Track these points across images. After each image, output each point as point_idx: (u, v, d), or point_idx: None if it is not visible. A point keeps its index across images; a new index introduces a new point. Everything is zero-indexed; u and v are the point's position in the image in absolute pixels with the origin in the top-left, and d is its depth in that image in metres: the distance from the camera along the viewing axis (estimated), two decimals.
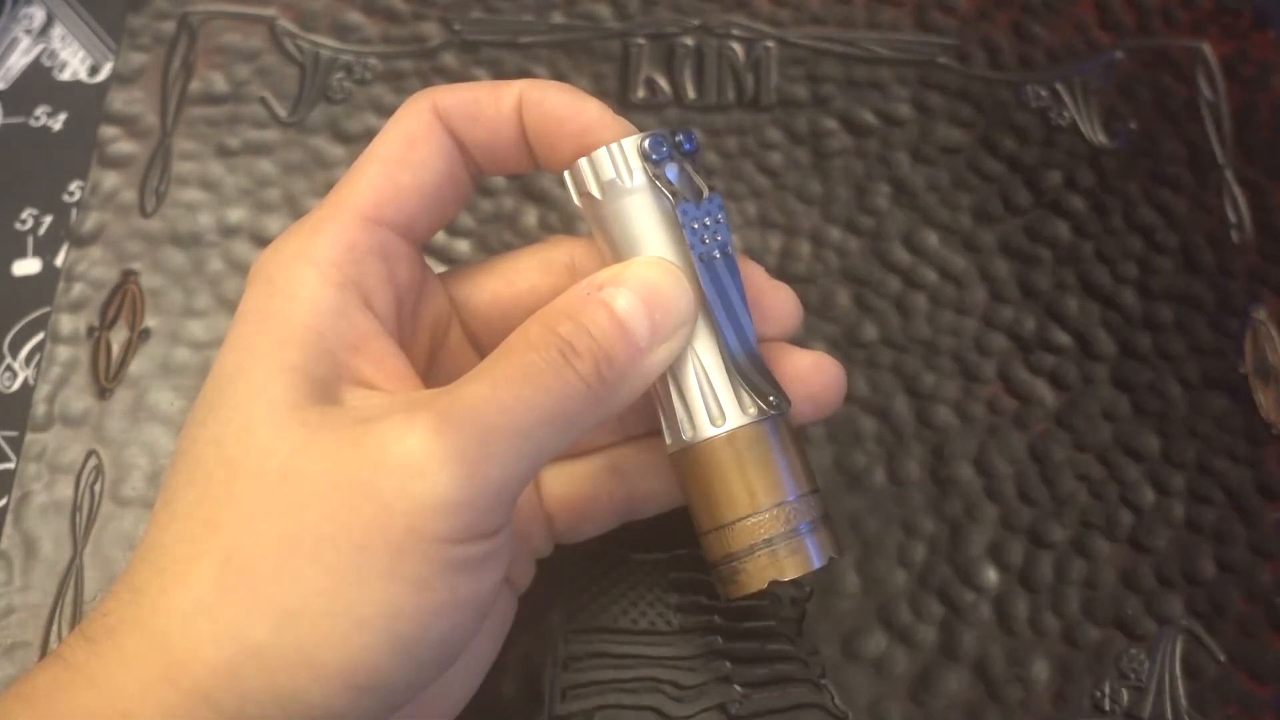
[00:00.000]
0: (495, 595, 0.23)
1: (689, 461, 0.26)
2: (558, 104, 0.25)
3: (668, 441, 0.26)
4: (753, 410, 0.25)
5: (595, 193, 0.25)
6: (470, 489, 0.21)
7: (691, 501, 0.26)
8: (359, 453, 0.21)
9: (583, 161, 0.25)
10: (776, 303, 0.27)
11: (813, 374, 0.27)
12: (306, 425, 0.22)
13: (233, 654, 0.20)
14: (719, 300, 0.25)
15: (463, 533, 0.21)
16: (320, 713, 0.21)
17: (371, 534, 0.21)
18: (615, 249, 0.26)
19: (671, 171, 0.25)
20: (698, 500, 0.26)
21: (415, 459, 0.21)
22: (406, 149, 0.25)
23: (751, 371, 0.25)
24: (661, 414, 0.26)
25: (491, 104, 0.26)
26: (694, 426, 0.25)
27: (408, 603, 0.21)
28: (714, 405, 0.25)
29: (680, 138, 0.25)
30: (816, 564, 0.25)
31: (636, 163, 0.25)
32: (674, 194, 0.25)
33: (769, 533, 0.25)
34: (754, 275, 0.27)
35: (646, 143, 0.25)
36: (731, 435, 0.25)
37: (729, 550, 0.25)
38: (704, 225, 0.25)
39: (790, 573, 0.25)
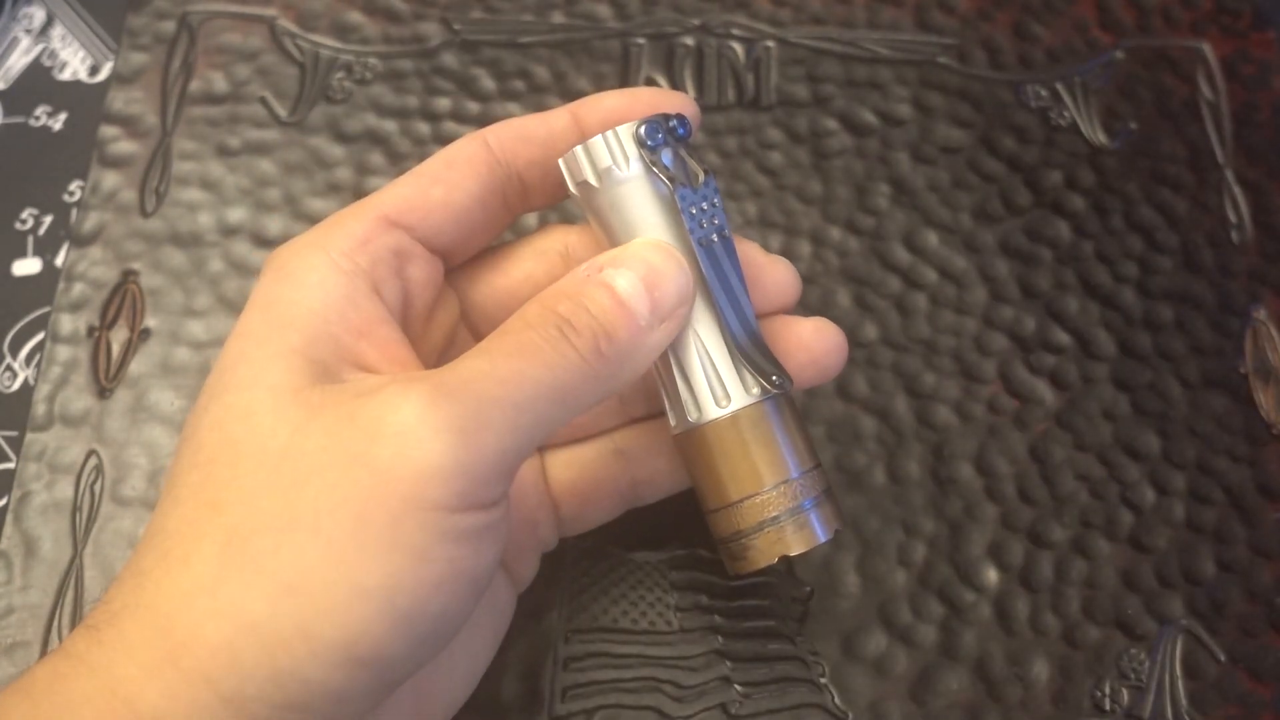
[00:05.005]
0: (492, 571, 0.23)
1: (694, 443, 0.26)
2: (615, 105, 0.27)
3: (672, 424, 0.27)
4: (756, 390, 0.26)
5: (592, 180, 0.26)
6: (466, 457, 0.21)
7: (697, 481, 0.27)
8: (356, 425, 0.22)
9: (578, 149, 0.26)
10: (775, 278, 0.27)
11: (814, 340, 0.27)
12: (309, 405, 0.22)
13: (232, 631, 0.20)
14: (719, 283, 0.26)
15: (459, 501, 0.21)
16: (318, 689, 0.21)
17: (369, 504, 0.21)
18: (613, 236, 0.26)
19: (667, 157, 0.25)
20: (704, 480, 0.26)
21: (410, 427, 0.21)
22: (445, 169, 0.26)
23: (753, 351, 0.26)
24: (665, 397, 0.27)
25: (540, 125, 0.27)
26: (699, 408, 0.26)
27: (407, 575, 0.21)
28: (718, 386, 0.26)
29: (674, 123, 0.26)
30: (822, 538, 0.26)
31: (632, 150, 0.25)
32: (671, 179, 0.25)
33: (775, 510, 0.26)
34: (750, 252, 0.27)
35: (642, 129, 0.25)
36: (735, 415, 0.26)
37: (737, 528, 0.26)
38: (701, 209, 0.25)
39: (797, 548, 0.26)
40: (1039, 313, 0.35)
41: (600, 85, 0.39)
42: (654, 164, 0.25)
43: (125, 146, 0.37)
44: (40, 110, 0.39)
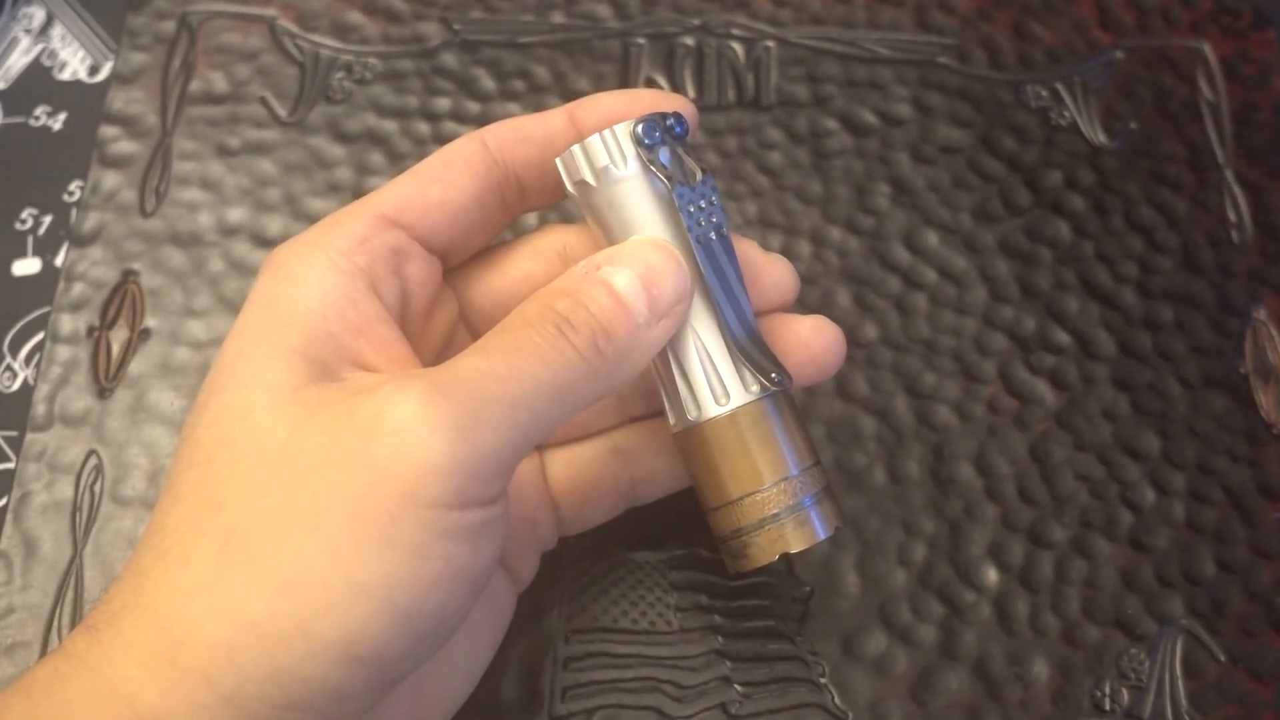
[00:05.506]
0: (491, 569, 0.23)
1: (694, 441, 0.26)
2: (613, 106, 0.27)
3: (671, 422, 0.27)
4: (755, 388, 0.26)
5: (590, 179, 0.26)
6: (463, 454, 0.21)
7: (697, 479, 0.27)
8: (354, 423, 0.22)
9: (576, 148, 0.26)
10: (774, 276, 0.27)
11: (813, 337, 0.27)
12: (307, 404, 0.22)
13: (231, 630, 0.20)
14: (717, 281, 0.26)
15: (457, 498, 0.21)
16: (318, 687, 0.21)
17: (367, 501, 0.21)
18: (611, 235, 0.26)
19: (664, 155, 0.25)
20: (704, 478, 0.26)
21: (408, 425, 0.21)
22: (442, 168, 0.26)
23: (752, 349, 0.26)
24: (664, 395, 0.27)
25: (538, 126, 0.27)
26: (698, 406, 0.26)
27: (405, 572, 0.21)
28: (717, 384, 0.26)
29: (671, 121, 0.26)
30: (821, 536, 0.26)
31: (630, 148, 0.25)
32: (668, 178, 0.25)
33: (775, 507, 0.26)
34: (748, 251, 0.27)
35: (639, 128, 0.25)
36: (735, 413, 0.26)
37: (737, 526, 0.26)
38: (699, 208, 0.25)
39: (797, 545, 0.26)
40: (1039, 313, 0.35)
41: (600, 85, 0.39)
42: (651, 162, 0.25)
43: (125, 146, 0.37)
44: (40, 110, 0.39)
